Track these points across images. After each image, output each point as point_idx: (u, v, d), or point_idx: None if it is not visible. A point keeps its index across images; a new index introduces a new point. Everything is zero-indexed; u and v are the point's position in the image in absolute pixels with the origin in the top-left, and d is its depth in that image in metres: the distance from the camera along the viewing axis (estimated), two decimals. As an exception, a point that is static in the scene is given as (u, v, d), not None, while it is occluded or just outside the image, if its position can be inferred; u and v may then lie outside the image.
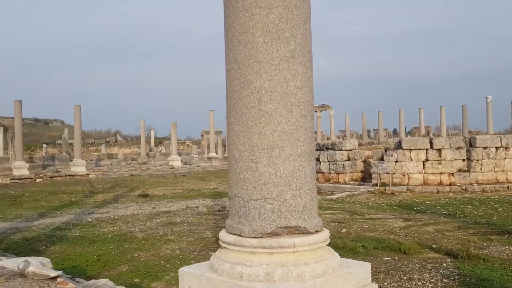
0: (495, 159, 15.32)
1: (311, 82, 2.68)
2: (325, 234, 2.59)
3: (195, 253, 6.96)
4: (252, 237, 2.45)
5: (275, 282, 2.34)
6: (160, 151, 44.09)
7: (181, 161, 33.29)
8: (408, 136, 41.11)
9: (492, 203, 11.41)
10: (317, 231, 2.56)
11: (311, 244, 2.46)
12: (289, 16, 2.53)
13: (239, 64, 2.55)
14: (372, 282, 2.80)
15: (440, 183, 15.09)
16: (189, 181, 21.79)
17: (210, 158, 35.92)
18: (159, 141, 52.78)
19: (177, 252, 7.04)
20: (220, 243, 2.66)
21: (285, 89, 2.51)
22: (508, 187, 14.42)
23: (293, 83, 2.53)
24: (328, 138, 43.62)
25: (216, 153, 38.03)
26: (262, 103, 2.49)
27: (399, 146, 15.69)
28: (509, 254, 6.22)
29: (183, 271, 2.71)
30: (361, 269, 2.63)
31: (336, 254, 2.65)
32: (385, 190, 14.22)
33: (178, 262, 6.37)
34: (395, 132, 53.31)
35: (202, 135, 45.26)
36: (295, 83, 2.54)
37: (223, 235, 2.63)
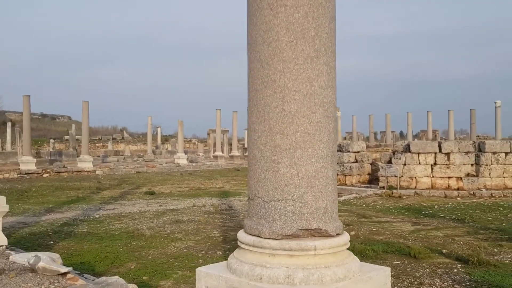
0: (504, 164, 15.21)
1: (335, 83, 2.64)
2: (346, 237, 2.56)
3: (203, 252, 6.94)
4: (272, 238, 2.41)
5: (296, 285, 2.30)
6: (167, 149, 44.18)
7: (187, 159, 33.31)
8: (415, 139, 40.95)
9: (501, 208, 11.31)
10: (337, 234, 2.52)
11: (332, 247, 2.42)
12: (315, 15, 2.49)
13: (263, 63, 2.52)
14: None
15: (448, 188, 14.99)
16: (195, 179, 21.80)
17: (216, 157, 35.92)
18: (165, 139, 52.88)
19: (185, 250, 7.03)
20: (239, 243, 2.63)
21: (309, 89, 2.47)
22: (517, 193, 14.29)
23: (317, 83, 2.49)
24: (335, 140, 43.39)
25: (222, 152, 38.03)
26: (285, 103, 2.46)
27: (407, 149, 15.60)
28: (521, 261, 6.15)
29: (201, 271, 2.68)
30: (381, 274, 2.59)
31: (356, 258, 2.62)
32: (392, 193, 14.14)
33: (186, 261, 6.36)
34: (402, 135, 53.10)
35: (208, 134, 45.29)
36: (319, 83, 2.50)
37: (241, 235, 2.60)
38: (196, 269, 2.74)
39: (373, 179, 16.86)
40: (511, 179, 15.26)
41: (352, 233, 8.19)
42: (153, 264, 6.21)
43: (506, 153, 15.29)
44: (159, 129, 50.18)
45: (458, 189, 14.82)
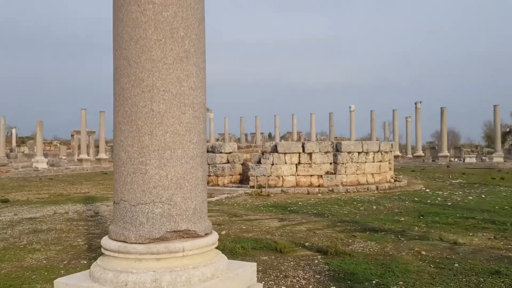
0: (357, 162, 16.93)
1: (204, 84, 2.66)
2: (214, 237, 2.59)
3: (64, 262, 6.44)
4: (139, 243, 2.33)
5: (164, 288, 2.26)
6: (23, 152, 40.02)
7: (48, 163, 30.59)
8: (282, 140, 43.35)
9: (355, 202, 12.57)
10: (206, 234, 2.54)
11: (201, 248, 2.43)
12: (184, 16, 2.48)
13: (130, 61, 2.43)
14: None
15: (311, 185, 16.17)
16: (57, 184, 20.13)
17: (81, 160, 33.63)
18: (21, 141, 47.86)
19: (44, 262, 6.44)
20: (103, 250, 2.49)
21: (178, 89, 2.45)
22: (368, 188, 16.03)
23: (186, 84, 2.48)
24: (208, 141, 43.96)
25: (88, 154, 35.77)
26: (154, 103, 2.40)
27: (275, 149, 16.44)
28: (371, 249, 6.89)
29: (59, 282, 2.48)
30: (248, 270, 2.68)
31: (224, 256, 2.67)
32: (261, 192, 14.77)
33: (46, 273, 5.83)
34: (271, 136, 55.75)
35: (72, 135, 42.17)
36: (189, 84, 2.50)
37: (106, 242, 2.47)
38: (54, 281, 2.52)
39: (244, 179, 17.41)
40: (363, 175, 17.06)
41: (223, 232, 8.35)
42: (7, 279, 5.57)
43: (359, 153, 17.04)
44: (14, 130, 45.27)
45: (319, 186, 16.07)
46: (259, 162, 16.61)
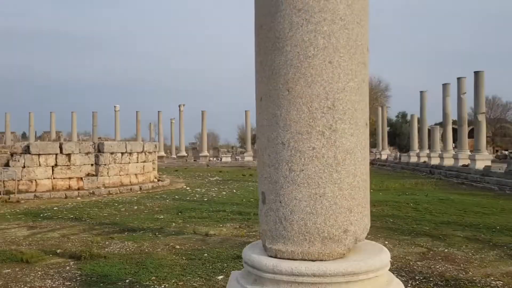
0: (121, 163, 16.70)
1: None
2: None
3: None
4: None
5: None
6: None
7: None
8: (39, 140, 39.20)
9: (116, 204, 12.37)
10: None
11: None
12: None
13: None
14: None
15: (69, 188, 15.15)
16: None
17: None
18: None
19: None
20: None
21: None
22: (131, 189, 15.98)
23: None
24: None
25: None
26: None
27: (27, 150, 14.77)
28: (127, 249, 6.91)
29: None
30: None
31: None
32: (9, 199, 13.08)
33: None
34: (25, 136, 49.76)
35: None
36: None
37: None
38: None
39: (-14, 185, 15.04)
40: (126, 176, 16.92)
41: (-48, 248, 7.06)
42: None
43: (123, 153, 16.84)
44: None
45: (78, 189, 15.19)
46: (7, 165, 14.63)
